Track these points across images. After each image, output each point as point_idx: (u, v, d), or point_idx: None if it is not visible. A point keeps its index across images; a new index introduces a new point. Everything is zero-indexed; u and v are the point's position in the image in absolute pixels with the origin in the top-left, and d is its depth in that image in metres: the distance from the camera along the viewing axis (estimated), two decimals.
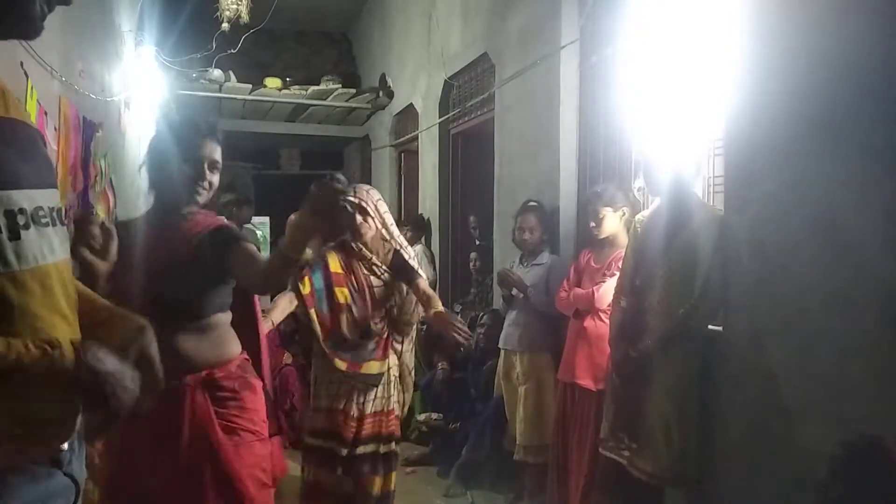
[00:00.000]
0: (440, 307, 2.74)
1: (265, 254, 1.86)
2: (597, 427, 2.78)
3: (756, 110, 2.28)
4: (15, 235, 0.97)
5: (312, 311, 2.86)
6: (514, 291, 3.44)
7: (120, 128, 4.19)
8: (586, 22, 3.56)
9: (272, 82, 7.13)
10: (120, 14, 4.41)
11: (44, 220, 1.02)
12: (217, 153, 1.89)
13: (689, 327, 2.43)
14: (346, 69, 8.54)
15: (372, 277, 2.89)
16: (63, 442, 1.06)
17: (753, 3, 2.31)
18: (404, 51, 6.58)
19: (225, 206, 4.13)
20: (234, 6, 5.49)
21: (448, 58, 5.29)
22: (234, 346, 1.93)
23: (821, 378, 2.02)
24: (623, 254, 2.81)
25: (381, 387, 2.90)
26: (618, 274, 2.83)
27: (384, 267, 2.89)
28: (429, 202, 5.93)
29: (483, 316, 4.20)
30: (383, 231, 2.93)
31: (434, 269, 5.60)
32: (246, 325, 2.03)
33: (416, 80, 6.15)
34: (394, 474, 3.00)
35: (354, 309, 2.87)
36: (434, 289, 5.39)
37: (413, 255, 2.99)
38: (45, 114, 2.34)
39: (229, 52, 6.18)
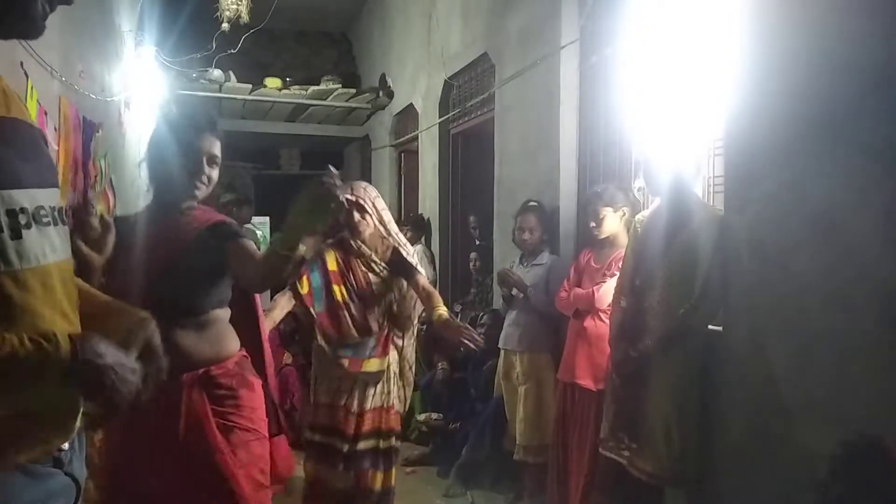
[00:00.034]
0: (441, 306, 2.73)
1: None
2: (597, 427, 2.78)
3: (756, 110, 2.28)
4: (17, 234, 0.97)
5: (311, 310, 2.87)
6: (514, 291, 3.44)
7: (120, 128, 4.19)
8: (586, 22, 3.56)
9: (272, 82, 7.14)
10: (120, 14, 4.41)
11: (45, 220, 1.02)
12: (216, 148, 1.87)
13: (689, 327, 2.43)
14: (346, 69, 8.55)
15: (370, 275, 2.88)
16: (64, 442, 1.06)
17: (753, 3, 2.31)
18: (404, 51, 6.58)
19: (225, 206, 4.13)
20: (234, 6, 5.49)
21: (448, 58, 5.30)
22: (232, 343, 1.91)
23: (821, 378, 2.02)
24: (623, 254, 2.81)
25: (380, 383, 2.91)
26: (618, 274, 2.83)
27: (383, 264, 2.89)
28: (429, 202, 5.93)
29: (483, 316, 4.20)
30: (381, 228, 2.92)
31: (434, 269, 5.60)
32: (246, 322, 2.02)
33: (416, 80, 6.15)
34: (394, 470, 3.00)
35: (353, 306, 2.87)
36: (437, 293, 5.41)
37: (412, 251, 2.99)
38: (45, 114, 2.34)
39: (229, 52, 6.18)
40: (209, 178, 1.88)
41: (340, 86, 7.32)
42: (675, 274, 2.47)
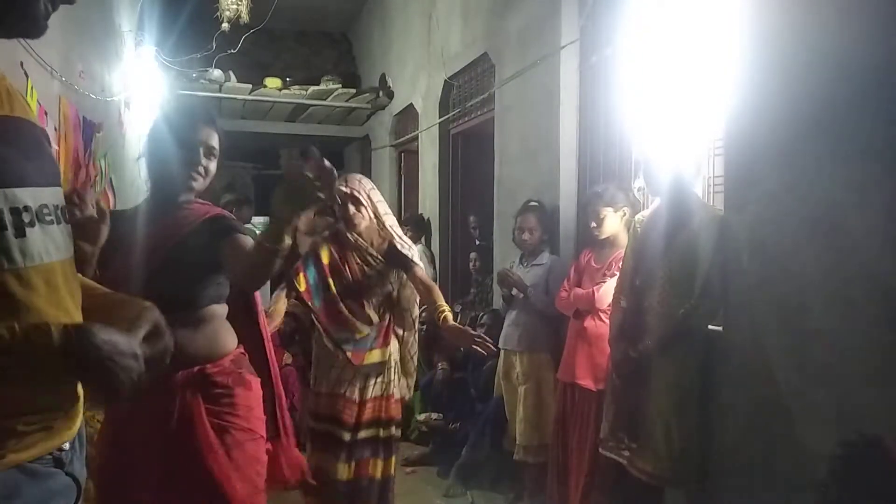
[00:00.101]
0: (444, 304, 2.73)
1: None
2: (597, 427, 2.78)
3: (756, 110, 2.28)
4: (20, 233, 0.97)
5: (311, 305, 2.87)
6: (514, 291, 3.44)
7: (120, 128, 4.19)
8: (586, 22, 3.56)
9: (272, 82, 7.14)
10: (120, 14, 4.41)
11: (48, 218, 1.02)
12: (213, 139, 1.85)
13: (689, 327, 2.43)
14: (346, 69, 8.54)
15: (366, 267, 2.88)
16: (64, 441, 1.06)
17: (753, 4, 2.31)
18: (404, 51, 6.58)
19: (225, 207, 4.13)
20: (234, 6, 5.49)
21: (448, 58, 5.30)
22: (229, 340, 1.87)
23: (821, 378, 2.02)
24: (623, 254, 2.81)
25: (381, 373, 2.92)
26: (618, 274, 2.83)
27: (379, 256, 2.88)
28: (429, 202, 5.93)
29: (483, 316, 4.20)
30: (376, 221, 2.91)
31: (434, 269, 5.60)
32: (246, 320, 1.99)
33: (416, 80, 6.15)
34: (394, 458, 3.01)
35: (350, 299, 2.87)
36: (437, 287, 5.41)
37: (409, 243, 2.98)
38: (46, 114, 2.34)
39: (229, 52, 6.18)
40: (206, 170, 1.85)
41: (340, 86, 7.32)
42: (675, 274, 2.47)
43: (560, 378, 3.17)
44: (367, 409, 2.89)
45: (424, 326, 4.38)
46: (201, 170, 1.83)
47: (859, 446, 1.60)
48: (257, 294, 2.09)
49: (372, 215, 2.90)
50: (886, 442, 1.57)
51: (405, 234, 3.15)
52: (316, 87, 7.25)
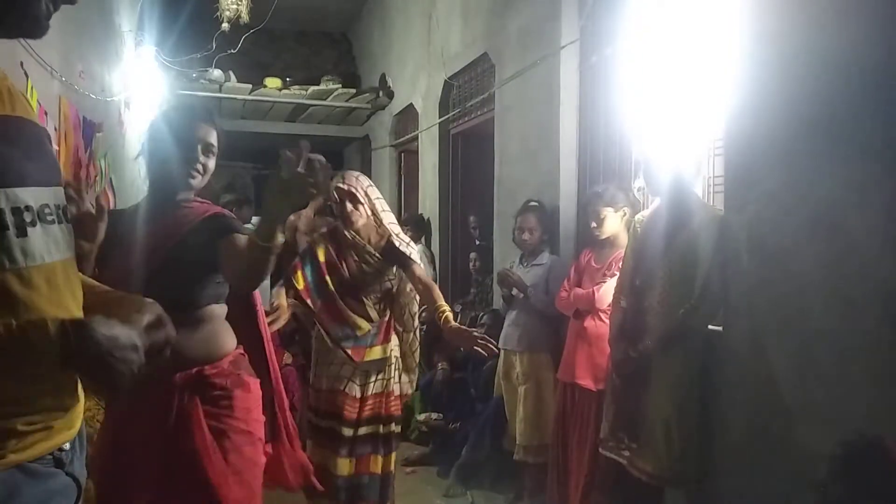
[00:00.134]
0: (444, 304, 2.73)
1: None
2: (597, 427, 2.78)
3: (756, 110, 2.28)
4: (22, 233, 0.97)
5: (309, 303, 2.87)
6: (514, 291, 3.44)
7: (120, 128, 4.19)
8: (586, 22, 3.56)
9: (272, 82, 7.14)
10: (120, 14, 4.41)
11: (50, 218, 1.02)
12: (211, 136, 1.83)
13: (689, 327, 2.43)
14: (346, 69, 8.54)
15: (364, 265, 2.88)
16: (65, 441, 1.06)
17: (753, 4, 2.31)
18: (404, 51, 6.58)
19: (225, 206, 4.11)
20: (234, 6, 5.49)
21: (448, 58, 5.30)
22: (228, 341, 1.85)
23: (821, 378, 2.02)
24: (623, 254, 2.81)
25: (382, 370, 2.92)
26: (618, 274, 2.83)
27: (377, 254, 2.88)
28: (429, 202, 5.93)
29: (483, 316, 4.20)
30: (374, 218, 2.91)
31: (434, 269, 5.60)
32: (245, 320, 1.97)
33: (416, 80, 6.15)
34: (394, 455, 3.02)
35: (349, 296, 2.87)
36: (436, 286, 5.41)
37: (408, 240, 2.98)
38: (46, 114, 2.34)
39: (229, 52, 6.18)
40: (204, 167, 1.83)
41: (340, 86, 7.32)
42: (675, 274, 2.47)
43: (560, 378, 3.17)
44: (368, 405, 2.89)
45: (424, 326, 4.38)
46: (199, 167, 1.82)
47: (859, 446, 1.60)
48: (257, 293, 2.06)
49: (369, 212, 2.89)
50: (886, 442, 1.57)
51: (405, 234, 3.15)
52: (316, 87, 7.25)
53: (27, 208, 0.98)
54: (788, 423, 2.13)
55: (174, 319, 1.69)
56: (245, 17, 5.57)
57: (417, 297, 3.01)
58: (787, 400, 2.14)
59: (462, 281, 5.55)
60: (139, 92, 4.75)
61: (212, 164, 1.85)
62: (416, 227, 5.72)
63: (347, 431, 2.85)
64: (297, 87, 7.20)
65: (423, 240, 5.72)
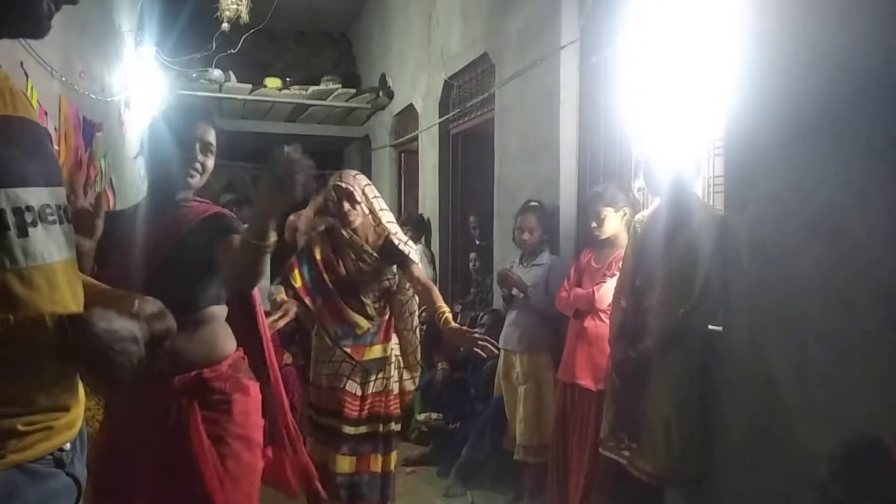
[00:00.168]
0: (443, 305, 2.72)
1: None
2: (597, 427, 2.78)
3: (756, 110, 2.28)
4: (23, 233, 0.97)
5: (308, 301, 2.87)
6: (514, 291, 3.44)
7: (120, 128, 4.19)
8: (586, 22, 3.56)
9: (272, 82, 7.14)
10: (120, 14, 4.41)
11: (51, 218, 1.02)
12: (210, 135, 1.82)
13: (689, 327, 2.43)
14: (346, 69, 8.54)
15: (361, 263, 2.87)
16: (65, 441, 1.06)
17: (753, 4, 2.31)
18: (404, 51, 6.58)
19: (225, 206, 4.12)
20: (234, 6, 5.49)
21: (448, 58, 5.29)
22: (228, 344, 1.83)
23: (821, 378, 2.02)
24: (623, 254, 2.81)
25: (382, 369, 2.92)
26: (618, 274, 2.83)
27: (374, 253, 2.87)
28: (429, 202, 5.93)
29: (483, 316, 4.20)
30: (372, 217, 2.90)
31: (434, 269, 5.60)
32: (244, 321, 1.95)
33: (416, 80, 6.15)
34: (394, 454, 3.03)
35: (347, 294, 2.87)
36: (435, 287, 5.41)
37: (406, 239, 2.98)
38: (46, 114, 2.34)
39: (229, 52, 6.18)
40: (203, 166, 1.82)
41: (340, 86, 7.32)
42: (675, 274, 2.47)
43: (560, 378, 3.17)
44: (368, 404, 2.90)
45: (424, 326, 4.38)
46: (198, 166, 1.81)
47: (859, 446, 1.60)
48: (256, 293, 2.03)
49: (367, 211, 2.88)
50: (886, 442, 1.57)
51: (405, 234, 3.15)
52: (316, 87, 7.25)
53: (28, 208, 0.98)
54: (788, 423, 2.13)
55: (175, 321, 1.69)
56: (245, 17, 5.57)
57: (416, 302, 3.01)
58: (787, 400, 2.14)
59: (462, 281, 5.55)
60: (139, 92, 4.75)
61: (210, 163, 1.84)
62: (416, 227, 5.72)
63: (348, 429, 2.85)
64: (297, 87, 7.20)
65: (423, 240, 5.72)
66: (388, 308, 2.97)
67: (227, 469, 1.73)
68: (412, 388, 3.18)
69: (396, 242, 2.87)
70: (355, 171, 2.99)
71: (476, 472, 3.71)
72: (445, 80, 5.35)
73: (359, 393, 2.88)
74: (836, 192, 1.97)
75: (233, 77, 6.89)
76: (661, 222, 2.56)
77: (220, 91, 6.85)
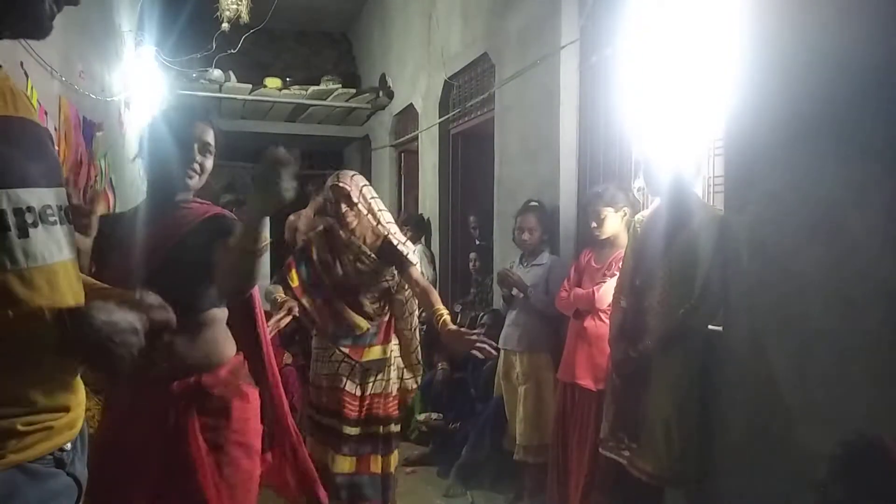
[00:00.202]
0: (441, 307, 2.72)
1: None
2: (597, 427, 2.78)
3: (756, 110, 2.28)
4: (24, 233, 0.97)
5: (305, 301, 2.87)
6: (514, 291, 3.44)
7: (120, 128, 4.19)
8: (586, 22, 3.56)
9: (272, 82, 7.13)
10: (120, 14, 4.41)
11: (52, 219, 1.02)
12: (208, 135, 1.80)
13: (689, 327, 2.43)
14: (346, 69, 8.54)
15: (359, 264, 2.87)
16: (65, 441, 1.06)
17: (753, 4, 2.31)
18: (404, 51, 6.58)
19: (224, 206, 4.12)
20: (234, 6, 5.49)
21: (448, 58, 5.29)
22: (227, 348, 1.80)
23: (821, 378, 2.02)
24: (623, 254, 2.81)
25: (382, 370, 2.92)
26: (618, 274, 2.83)
27: (372, 254, 2.87)
28: (429, 202, 5.93)
29: (483, 316, 4.20)
30: (371, 217, 2.90)
31: (434, 269, 5.60)
32: (244, 324, 1.92)
33: (416, 80, 6.15)
34: (394, 456, 3.03)
35: (347, 296, 2.86)
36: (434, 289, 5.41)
37: (405, 240, 2.97)
38: (46, 114, 2.34)
39: (229, 52, 6.18)
40: (202, 167, 1.80)
41: (340, 86, 7.32)
42: (675, 274, 2.47)
43: (560, 378, 3.17)
44: (367, 405, 2.90)
45: (424, 326, 4.38)
46: (196, 167, 1.79)
47: (859, 446, 1.60)
48: (256, 296, 2.00)
49: (366, 212, 2.88)
50: (886, 442, 1.57)
51: (405, 234, 3.15)
52: (316, 87, 7.25)
53: (29, 209, 0.98)
54: (788, 423, 2.13)
55: (175, 324, 1.66)
56: (245, 17, 5.57)
57: (415, 304, 3.01)
58: (787, 400, 2.14)
59: (462, 281, 5.55)
60: (139, 92, 4.75)
61: (209, 163, 1.82)
62: (416, 227, 5.72)
63: (347, 429, 2.86)
64: (297, 87, 7.20)
65: (423, 240, 5.72)
66: (387, 308, 2.97)
67: (225, 476, 1.71)
68: (414, 386, 3.18)
69: (395, 243, 2.86)
70: (353, 172, 2.98)
71: (476, 472, 3.71)
72: (445, 80, 5.35)
73: (358, 393, 2.88)
74: (835, 191, 1.97)
75: (233, 77, 6.89)
76: (661, 222, 2.56)
77: (220, 91, 6.85)
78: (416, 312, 3.14)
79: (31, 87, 2.16)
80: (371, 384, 2.90)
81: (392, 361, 2.95)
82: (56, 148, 2.45)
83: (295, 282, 2.86)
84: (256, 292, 1.98)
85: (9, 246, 0.95)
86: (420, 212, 6.07)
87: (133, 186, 4.21)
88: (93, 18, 3.49)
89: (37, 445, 1.00)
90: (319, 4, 7.87)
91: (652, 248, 2.58)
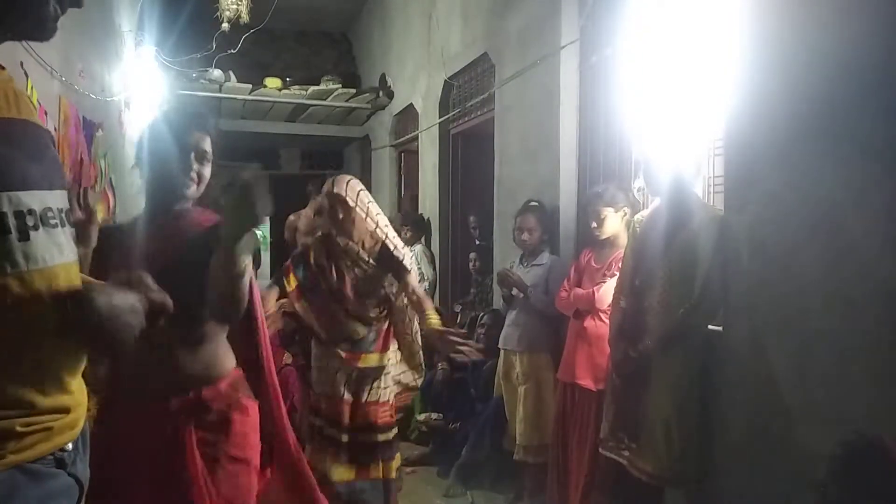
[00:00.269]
0: (433, 314, 2.71)
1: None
2: (597, 427, 2.78)
3: (756, 110, 2.28)
4: (24, 236, 0.97)
5: (301, 305, 2.86)
6: (514, 291, 3.44)
7: (120, 128, 4.19)
8: (586, 22, 3.57)
9: (272, 82, 7.13)
10: (120, 14, 4.41)
11: (52, 222, 1.02)
12: (206, 143, 1.76)
13: (689, 327, 2.43)
14: (346, 69, 8.54)
15: (356, 269, 2.87)
16: (66, 442, 1.06)
17: (753, 4, 2.31)
18: (404, 51, 6.58)
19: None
20: (234, 6, 5.49)
21: (448, 58, 5.30)
22: (227, 361, 1.76)
23: (821, 378, 2.02)
24: (623, 254, 2.82)
25: (379, 378, 2.92)
26: (618, 274, 2.83)
27: (370, 260, 2.87)
28: (429, 202, 5.93)
29: (483, 316, 4.20)
30: (369, 221, 2.90)
31: (434, 269, 5.60)
32: (245, 334, 1.86)
33: (416, 80, 6.15)
34: (394, 462, 3.03)
35: (344, 300, 2.86)
36: (434, 289, 5.41)
37: (402, 244, 2.97)
38: (46, 114, 2.34)
39: (229, 52, 6.18)
40: (199, 175, 1.76)
41: (340, 86, 7.32)
42: (675, 274, 2.47)
43: (560, 378, 3.17)
44: (364, 412, 2.89)
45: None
46: (194, 175, 1.74)
47: (859, 446, 1.60)
48: (258, 305, 1.90)
49: (363, 215, 2.88)
50: (886, 442, 1.57)
51: (405, 235, 3.15)
52: (316, 87, 7.25)
53: (30, 212, 0.97)
54: (788, 423, 2.13)
55: (174, 337, 1.60)
56: (245, 17, 5.57)
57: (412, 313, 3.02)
58: (787, 400, 2.14)
59: (462, 281, 5.55)
60: (139, 92, 4.75)
61: (207, 171, 1.78)
62: (416, 227, 5.71)
63: (344, 437, 2.85)
64: (297, 87, 7.20)
65: (423, 240, 5.72)
66: (386, 314, 2.96)
67: (222, 493, 1.67)
68: (415, 383, 3.18)
69: (392, 248, 2.87)
70: (349, 177, 2.96)
71: (476, 472, 3.71)
72: (445, 80, 5.35)
73: (353, 400, 2.88)
74: (835, 191, 1.97)
75: (233, 77, 6.89)
76: (661, 222, 2.56)
77: (220, 91, 6.84)
78: (413, 324, 3.14)
79: (31, 87, 2.16)
80: (367, 392, 2.90)
81: (389, 370, 2.95)
82: (57, 149, 2.45)
83: (292, 286, 2.87)
84: (259, 304, 1.91)
85: (9, 249, 0.95)
86: (420, 212, 6.07)
87: (133, 187, 4.20)
88: (93, 18, 3.49)
89: (36, 446, 1.00)
90: (319, 4, 7.87)
91: (652, 248, 2.58)
